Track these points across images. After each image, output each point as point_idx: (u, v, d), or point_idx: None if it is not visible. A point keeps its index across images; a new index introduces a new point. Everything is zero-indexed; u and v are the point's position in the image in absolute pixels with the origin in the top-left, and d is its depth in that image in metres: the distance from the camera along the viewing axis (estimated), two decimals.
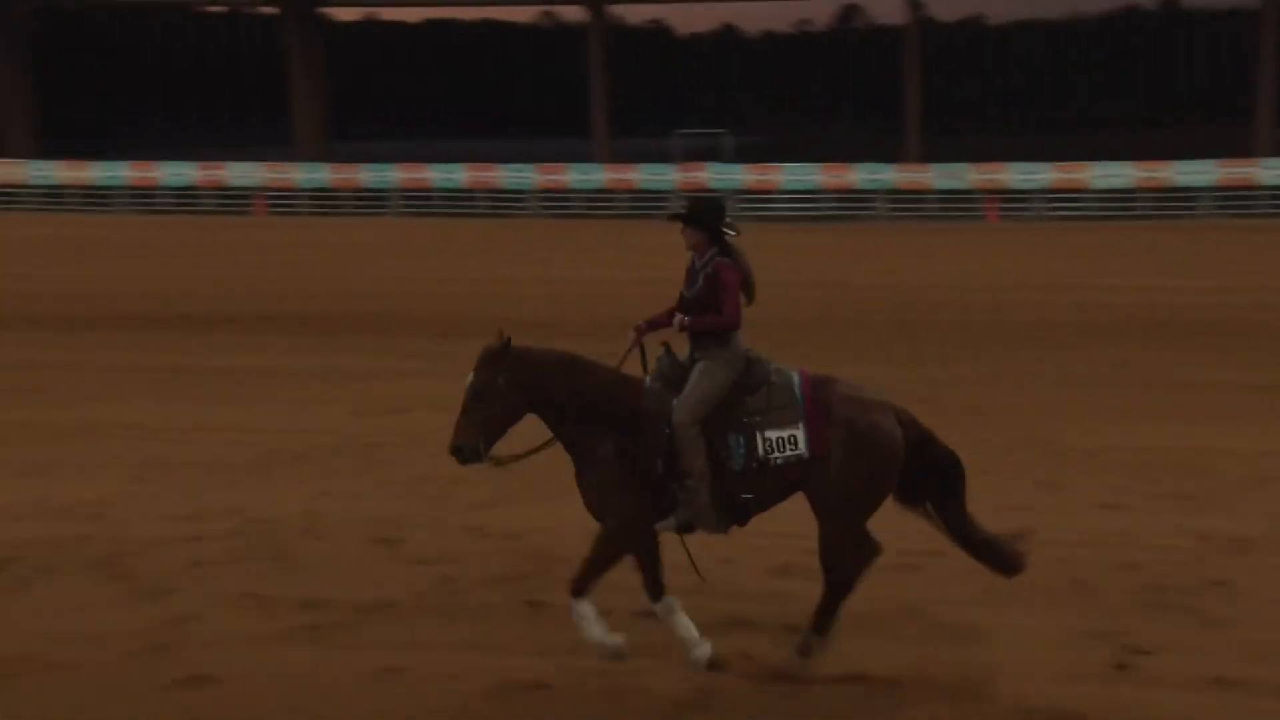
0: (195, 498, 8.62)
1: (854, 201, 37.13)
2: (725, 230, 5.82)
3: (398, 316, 17.77)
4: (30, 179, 40.79)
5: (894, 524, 6.17)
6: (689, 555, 5.86)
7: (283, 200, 39.63)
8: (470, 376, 5.66)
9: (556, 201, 38.82)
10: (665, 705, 5.56)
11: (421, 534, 7.88)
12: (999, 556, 5.82)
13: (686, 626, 5.80)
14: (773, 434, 5.62)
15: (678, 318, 5.77)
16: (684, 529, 5.74)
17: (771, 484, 5.69)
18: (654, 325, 5.87)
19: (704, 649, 5.78)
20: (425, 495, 8.75)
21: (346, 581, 6.99)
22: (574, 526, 7.97)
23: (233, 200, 39.80)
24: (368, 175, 40.14)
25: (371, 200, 39.63)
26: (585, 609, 5.68)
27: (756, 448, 5.63)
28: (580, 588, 5.70)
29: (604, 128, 45.32)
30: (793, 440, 5.62)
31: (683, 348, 5.89)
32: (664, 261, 23.59)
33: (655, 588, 5.87)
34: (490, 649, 6.09)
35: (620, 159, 41.44)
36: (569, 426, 5.75)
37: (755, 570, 7.11)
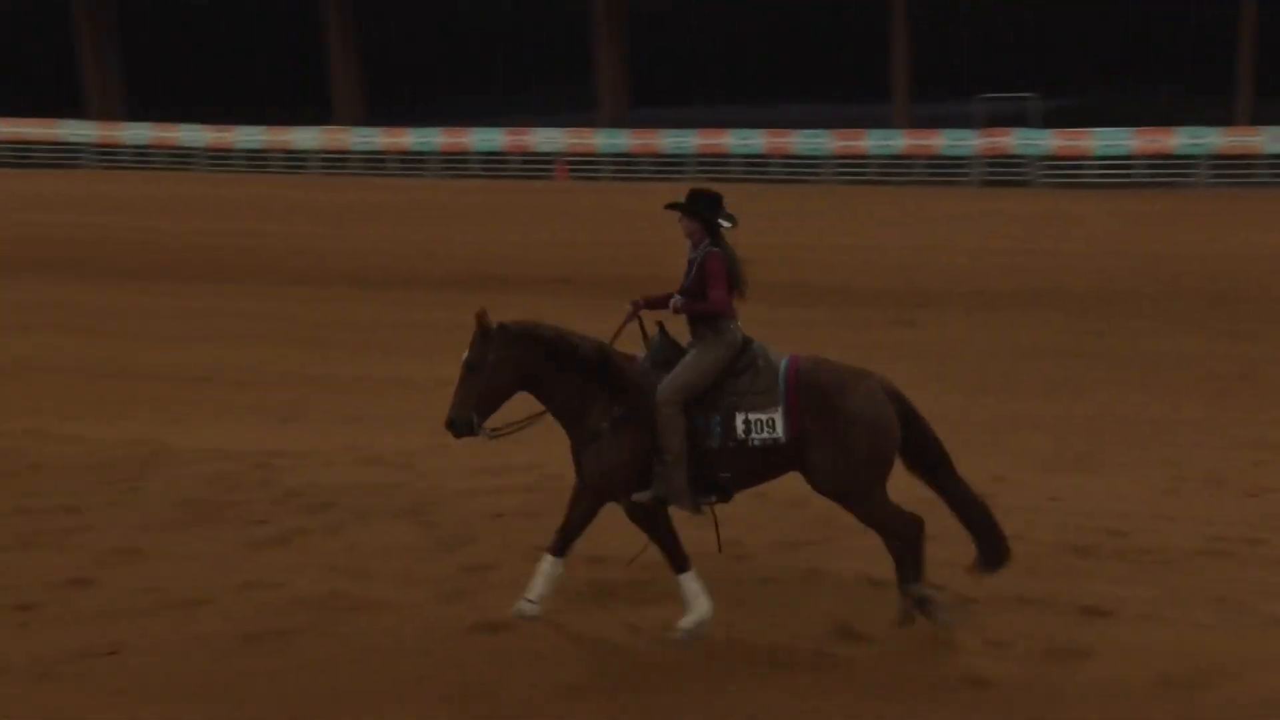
0: (497, 453, 8.98)
1: (1171, 167, 35.11)
2: (721, 222, 5.98)
3: None
4: (354, 145, 43.27)
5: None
6: (716, 531, 5.98)
7: (584, 165, 40.66)
8: (465, 352, 5.85)
9: (853, 167, 38.34)
10: (951, 682, 5.46)
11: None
12: (992, 548, 5.88)
13: (695, 594, 5.88)
14: (752, 416, 5.76)
15: (673, 300, 5.94)
16: (659, 503, 5.89)
17: (749, 464, 5.82)
18: (650, 304, 6.07)
19: (692, 619, 5.85)
20: None
21: (634, 540, 7.14)
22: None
23: (537, 165, 41.11)
24: (666, 141, 40.68)
25: (670, 165, 40.17)
26: (548, 566, 6.03)
27: (735, 428, 5.78)
28: (559, 547, 6.04)
29: (903, 92, 44.37)
30: (771, 424, 5.74)
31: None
32: (959, 229, 23.16)
33: (679, 561, 5.96)
34: (767, 616, 6.10)
35: (920, 124, 40.52)
36: (559, 401, 5.95)
37: (1052, 546, 6.89)
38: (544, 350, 5.98)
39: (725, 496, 5.96)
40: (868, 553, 6.30)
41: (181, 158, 43.05)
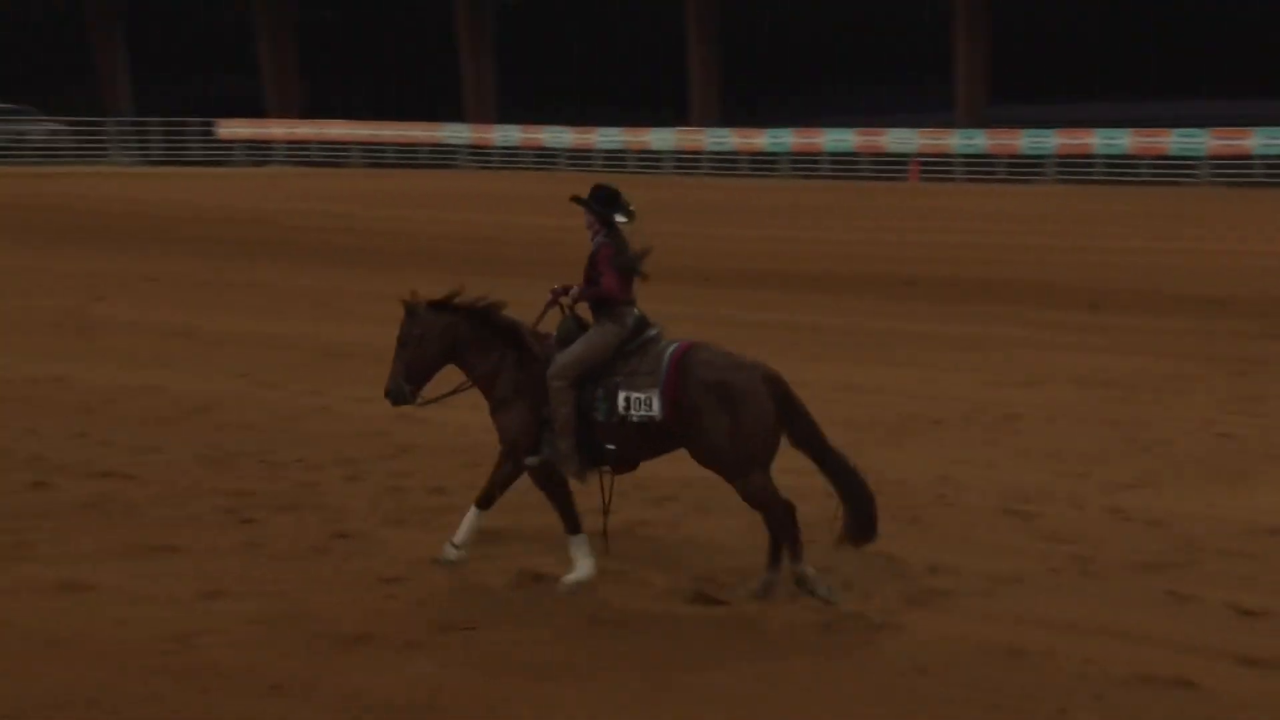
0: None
1: None
2: (617, 217, 6.53)
3: (1044, 286, 17.34)
4: (708, 146, 44.07)
5: None
6: (605, 505, 6.50)
7: (937, 166, 39.85)
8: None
9: (1234, 169, 35.83)
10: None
11: (1057, 509, 7.69)
12: (859, 519, 6.25)
13: (583, 556, 6.43)
14: (633, 395, 6.27)
15: (572, 289, 6.56)
16: (547, 467, 6.49)
17: (631, 438, 6.34)
18: (567, 291, 6.62)
19: (573, 578, 6.37)
20: (1062, 470, 8.51)
21: (976, 550, 6.99)
22: (1231, 518, 7.40)
23: (889, 166, 40.61)
24: (1025, 141, 39.28)
25: (1026, 167, 38.77)
26: (472, 516, 6.66)
27: (617, 405, 6.29)
28: (484, 500, 6.69)
29: None
30: (648, 402, 6.24)
31: None
32: None
33: (571, 523, 6.53)
34: (1128, 637, 5.84)
35: None
36: (477, 372, 6.64)
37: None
38: (462, 327, 6.62)
39: (614, 467, 6.51)
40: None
41: (546, 158, 45.02)
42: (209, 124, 45.92)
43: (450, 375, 6.81)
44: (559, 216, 26.83)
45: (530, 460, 6.54)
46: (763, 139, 43.16)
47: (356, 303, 15.63)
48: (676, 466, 8.58)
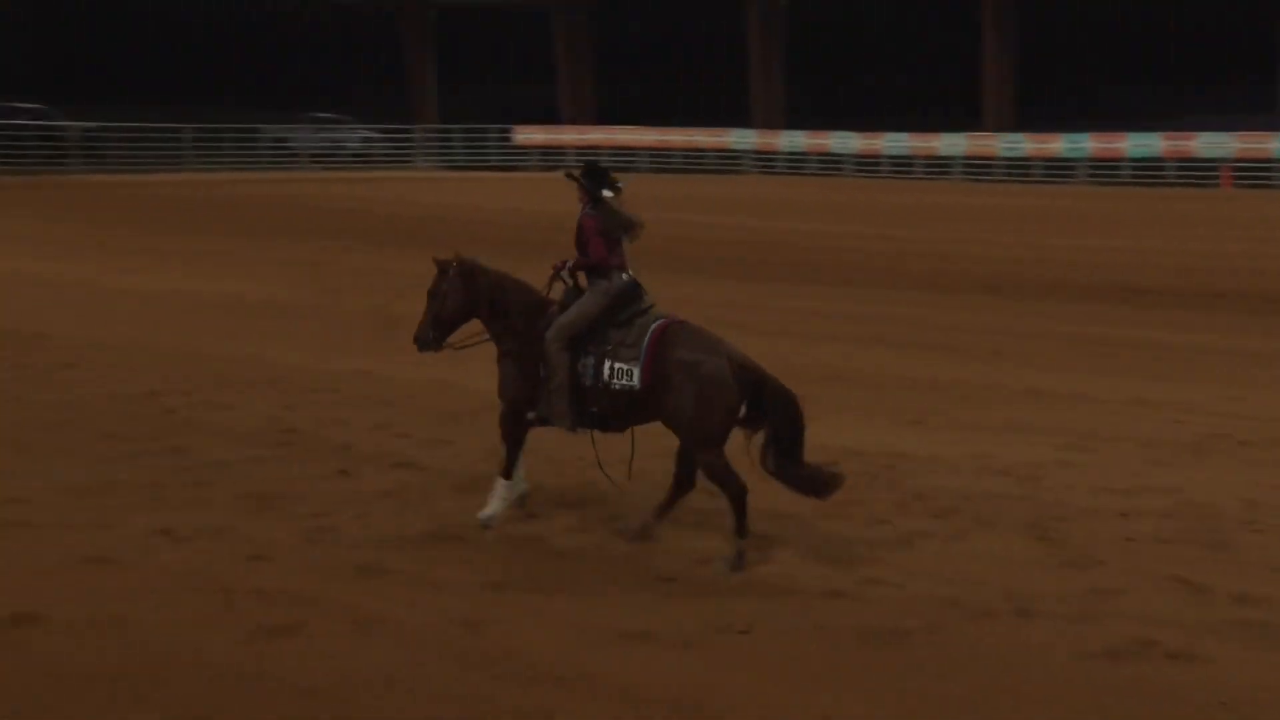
0: (1130, 473, 8.56)
1: None
2: (604, 190, 7.14)
3: None
4: (1000, 151, 42.83)
5: None
6: (598, 461, 7.23)
7: (1254, 172, 37.52)
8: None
9: None
10: None
11: None
12: (814, 483, 6.82)
13: (502, 498, 7.21)
14: (617, 364, 6.86)
15: (569, 262, 7.17)
16: (543, 422, 7.17)
17: (613, 403, 6.94)
18: (565, 265, 7.21)
19: (487, 512, 7.16)
20: None
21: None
22: None
23: (1198, 172, 38.49)
24: None
25: None
26: (499, 488, 7.27)
27: (603, 372, 6.90)
28: (505, 470, 7.29)
29: None
30: (629, 373, 6.84)
31: None
32: None
33: (509, 469, 7.28)
34: None
35: None
36: (492, 329, 7.33)
37: None
38: (481, 286, 7.31)
39: (601, 428, 7.16)
40: None
41: (831, 164, 44.74)
42: (507, 130, 47.74)
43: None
44: (841, 223, 26.75)
45: (530, 416, 7.21)
46: (1059, 144, 41.64)
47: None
48: (957, 478, 8.41)
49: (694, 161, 46.36)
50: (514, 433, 7.33)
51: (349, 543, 7.13)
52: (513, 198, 34.14)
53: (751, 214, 29.60)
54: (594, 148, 47.31)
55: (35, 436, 9.16)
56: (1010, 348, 13.45)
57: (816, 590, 6.44)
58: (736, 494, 6.81)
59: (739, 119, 48.21)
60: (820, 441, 9.28)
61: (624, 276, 7.15)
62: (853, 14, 55.37)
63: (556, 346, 7.02)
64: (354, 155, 47.06)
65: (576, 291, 7.19)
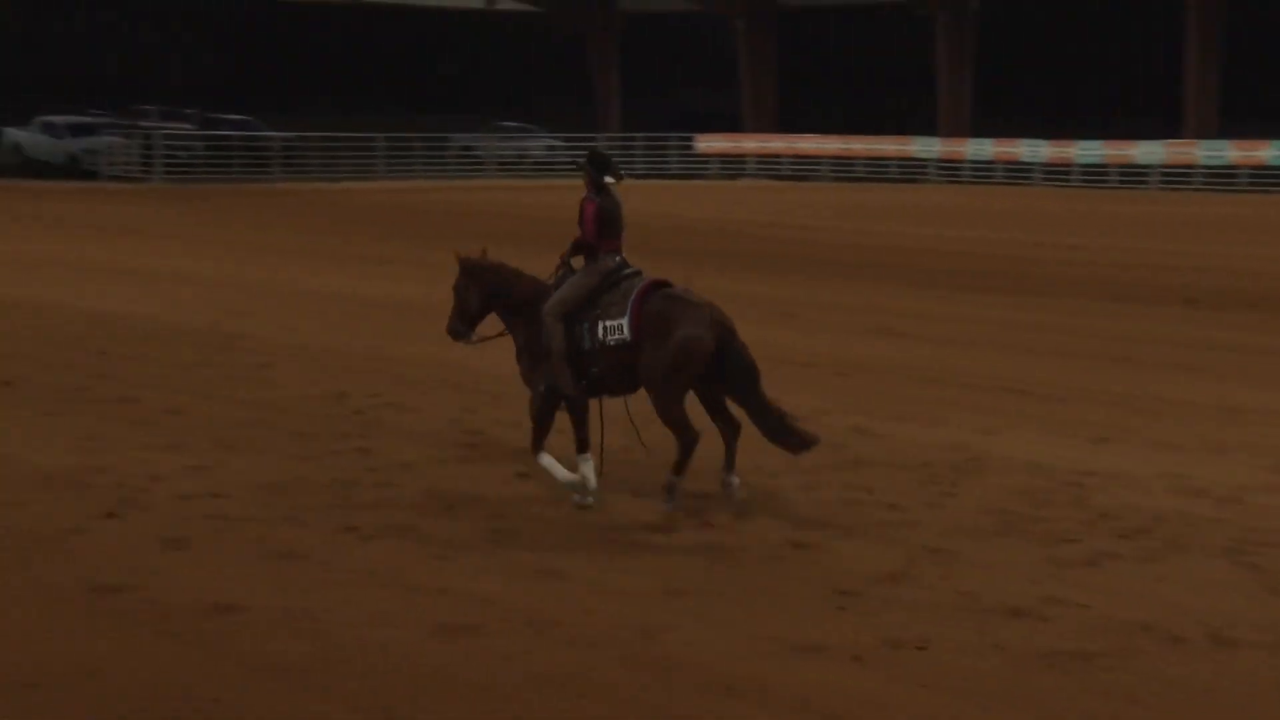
0: None
1: None
2: (606, 178, 7.87)
3: None
4: (1201, 159, 41.19)
5: None
6: (634, 428, 7.93)
7: None
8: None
9: None
10: None
11: None
12: (789, 439, 7.63)
13: (561, 472, 7.78)
14: (609, 323, 7.56)
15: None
16: (551, 391, 7.79)
17: (609, 361, 7.60)
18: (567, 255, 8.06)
19: (585, 491, 7.78)
20: None
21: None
22: None
23: None
24: None
25: None
26: (545, 459, 7.84)
27: (598, 332, 7.59)
28: (535, 447, 7.87)
29: None
30: (620, 328, 7.51)
31: None
32: None
33: (538, 445, 7.88)
34: None
35: None
36: (507, 320, 8.11)
37: None
38: (485, 281, 8.13)
39: (600, 391, 7.81)
40: None
41: (1019, 173, 43.70)
42: (688, 139, 47.96)
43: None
44: (1032, 232, 26.09)
45: (539, 386, 7.90)
46: (1265, 151, 39.86)
47: (817, 312, 15.83)
48: (1148, 498, 8.11)
49: (877, 170, 45.82)
50: (544, 415, 7.93)
51: (528, 545, 7.25)
52: (692, 204, 34.28)
53: (940, 223, 29.11)
54: (775, 155, 47.17)
55: (234, 433, 9.55)
56: (1206, 362, 12.93)
57: (996, 608, 6.29)
58: (689, 441, 7.68)
59: (923, 127, 47.45)
60: (1001, 455, 9.11)
61: (616, 259, 7.92)
62: (1043, 18, 53.95)
63: (552, 318, 7.76)
64: (538, 163, 47.88)
65: (569, 272, 8.00)
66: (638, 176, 45.96)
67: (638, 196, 38.49)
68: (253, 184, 39.67)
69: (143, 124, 45.19)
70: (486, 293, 8.14)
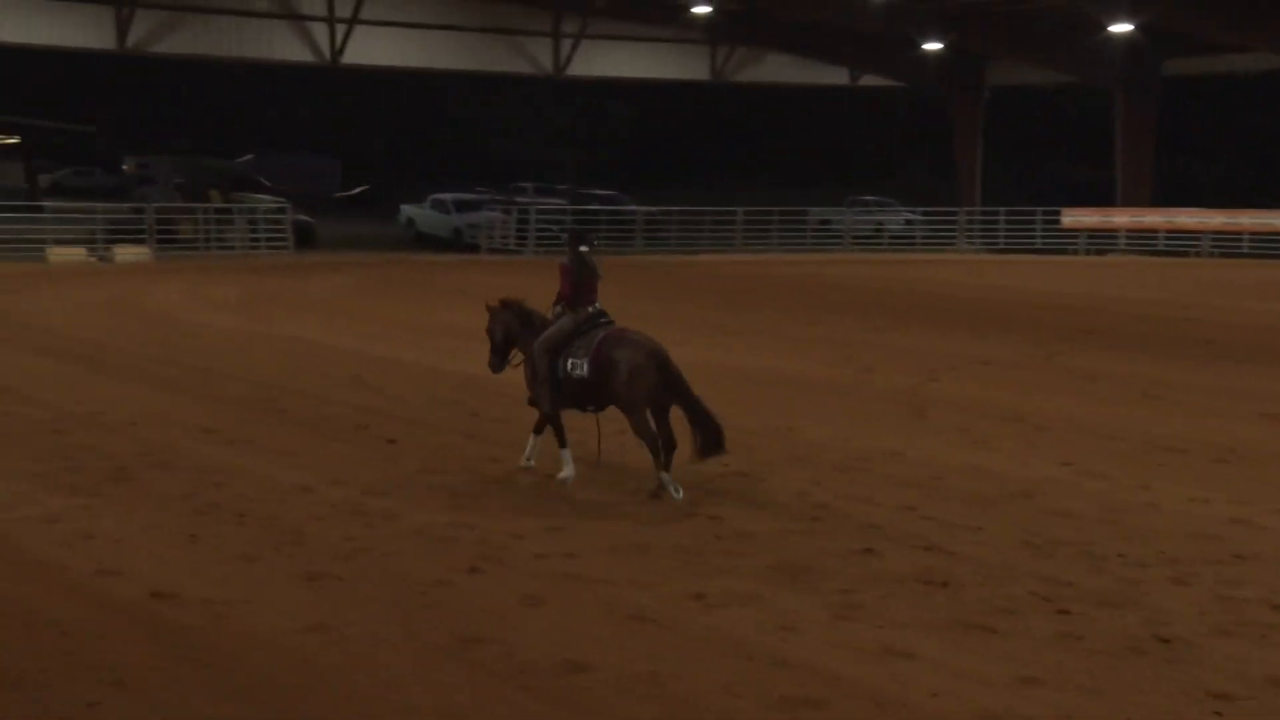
0: None
1: None
2: (581, 246, 10.30)
3: None
4: None
5: None
6: (599, 438, 10.35)
7: None
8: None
9: None
10: None
11: None
12: (709, 440, 9.78)
13: (568, 461, 10.17)
14: (574, 360, 9.89)
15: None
16: (532, 403, 10.39)
17: (573, 388, 9.96)
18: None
19: (564, 474, 10.10)
20: None
21: None
22: None
23: None
24: None
25: None
26: (564, 453, 10.23)
27: (567, 367, 9.93)
28: (559, 442, 10.23)
29: None
30: (581, 365, 9.86)
31: None
32: None
33: (561, 439, 10.26)
34: None
35: None
36: (522, 351, 10.46)
37: None
38: (503, 321, 10.59)
39: (577, 408, 10.19)
40: None
41: None
42: (1054, 213, 46.43)
43: None
44: None
45: (529, 400, 10.42)
46: None
47: (1185, 394, 14.91)
48: None
49: (1266, 247, 42.80)
50: (551, 420, 10.28)
51: (874, 622, 7.14)
52: (1056, 280, 33.08)
53: None
54: (1150, 231, 44.90)
55: (587, 497, 9.91)
56: None
57: None
58: (651, 443, 9.83)
59: None
60: None
61: (591, 308, 10.18)
62: None
63: (540, 352, 10.09)
64: (895, 237, 47.53)
65: (560, 317, 10.22)
66: (999, 251, 44.93)
67: (996, 272, 37.62)
68: (616, 255, 41.30)
69: (519, 200, 48.03)
70: (507, 332, 10.58)
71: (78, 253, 35.00)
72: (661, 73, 48.86)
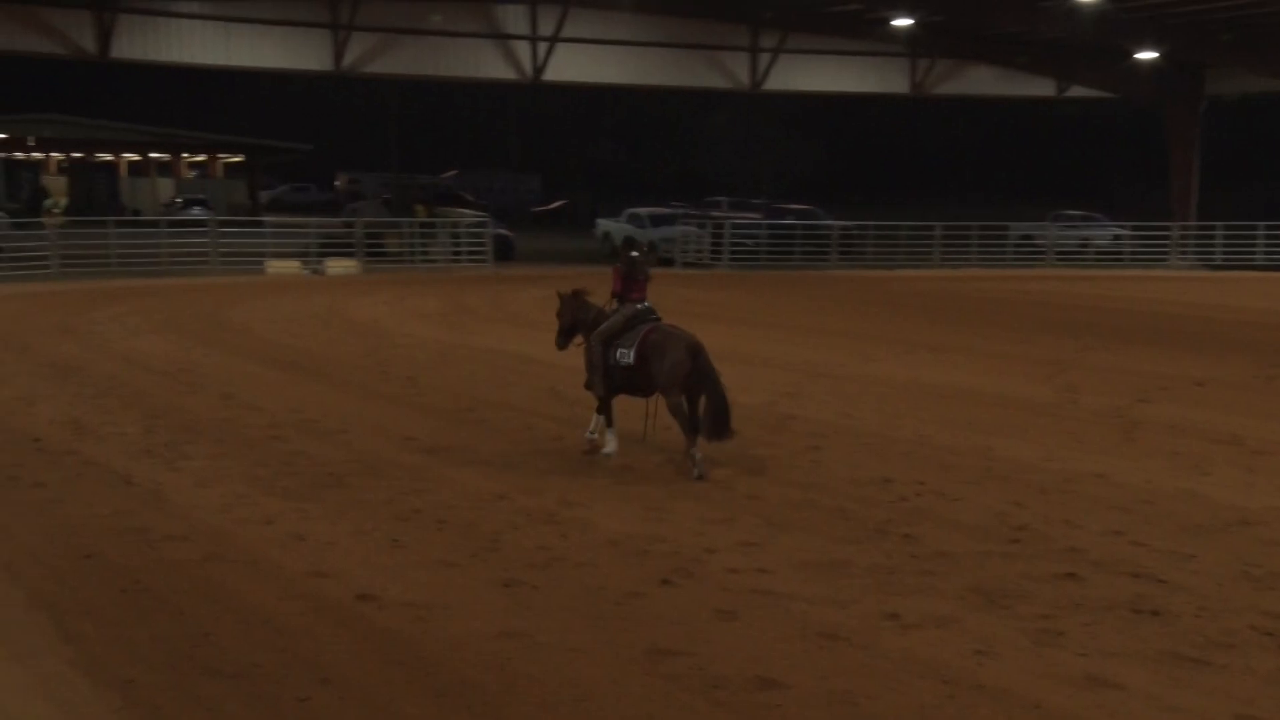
0: None
1: None
2: (632, 253, 12.23)
3: None
4: None
5: None
6: (646, 418, 11.86)
7: None
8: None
9: None
10: None
11: None
12: (714, 427, 10.90)
13: (612, 439, 11.78)
14: (622, 351, 11.42)
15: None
16: (588, 387, 11.89)
17: (622, 375, 11.47)
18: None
19: (608, 449, 11.73)
20: None
21: None
22: None
23: None
24: None
25: None
26: (609, 433, 11.76)
27: (616, 356, 11.47)
28: (608, 422, 11.76)
29: None
30: (627, 355, 11.37)
31: None
32: None
33: (609, 420, 11.80)
34: None
35: None
36: (585, 337, 11.90)
37: None
38: (570, 309, 12.13)
39: (628, 393, 11.67)
40: None
41: None
42: (1277, 228, 44.26)
43: None
44: None
45: (586, 384, 11.82)
46: None
47: None
48: None
49: None
50: (603, 405, 11.73)
51: (1076, 649, 6.91)
52: (1276, 298, 31.52)
53: None
54: None
55: (782, 512, 9.86)
56: None
57: None
58: (682, 422, 11.06)
59: None
60: None
61: (640, 305, 11.65)
62: None
63: (595, 342, 11.57)
64: (1102, 252, 46.01)
65: (615, 311, 11.70)
66: (1215, 267, 43.03)
67: (1212, 289, 36.07)
68: (811, 270, 41.03)
69: (714, 214, 48.18)
70: (571, 319, 12.08)
71: (293, 265, 36.56)
72: (859, 86, 48.39)
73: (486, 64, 43.86)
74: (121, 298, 27.78)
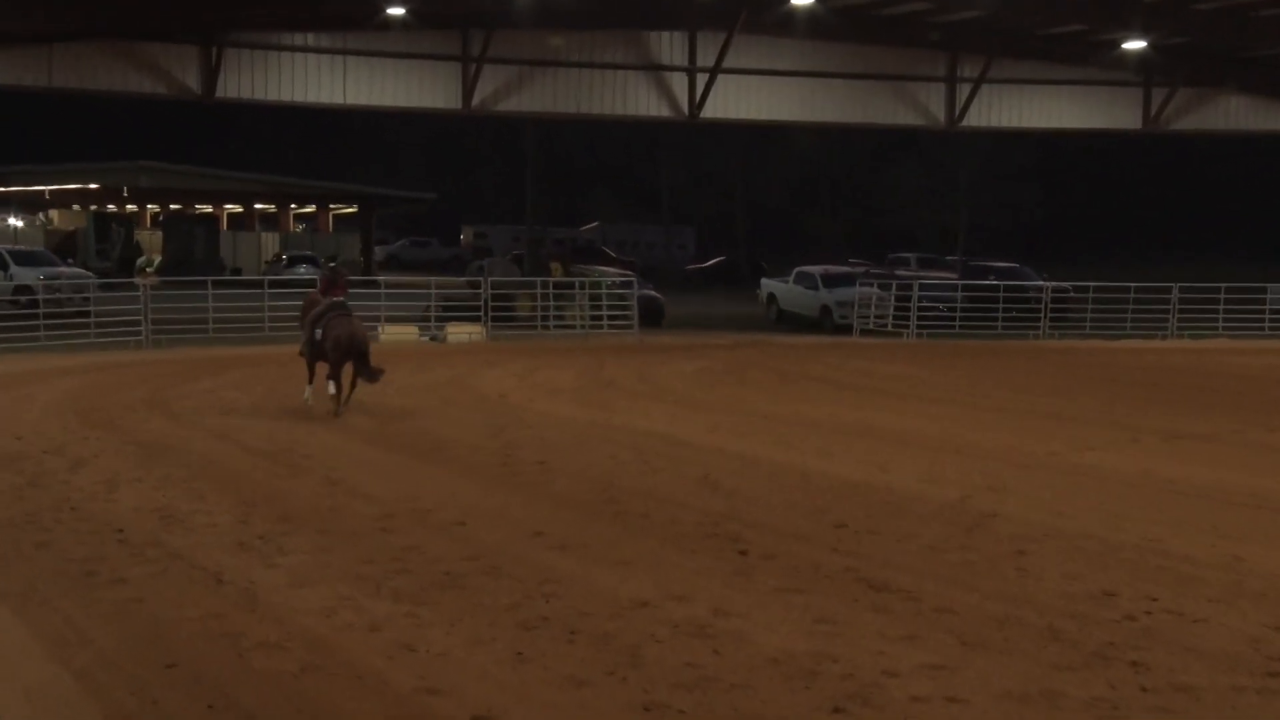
0: None
1: None
2: (330, 265, 21.00)
3: None
4: None
5: None
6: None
7: None
8: None
9: None
10: None
11: None
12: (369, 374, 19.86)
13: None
14: (318, 330, 20.56)
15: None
16: (301, 354, 21.86)
17: (318, 346, 20.53)
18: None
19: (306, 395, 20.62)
20: None
21: None
22: None
23: None
24: None
25: None
26: (308, 389, 20.14)
27: (315, 333, 20.82)
28: (309, 377, 20.49)
29: None
30: (318, 333, 20.05)
31: None
32: None
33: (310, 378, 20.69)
34: None
35: None
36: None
37: None
38: (311, 303, 19.64)
39: (321, 359, 20.88)
40: None
41: None
42: None
43: None
44: None
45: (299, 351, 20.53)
46: None
47: None
48: None
49: None
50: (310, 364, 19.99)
51: None
52: None
53: None
54: None
55: (979, 630, 9.64)
56: None
57: None
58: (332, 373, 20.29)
59: None
60: None
61: (336, 299, 20.28)
62: None
63: (307, 326, 20.77)
64: None
65: (322, 305, 20.28)
66: None
67: None
68: (1017, 340, 40.42)
69: (900, 273, 47.91)
70: (309, 309, 19.87)
71: (409, 331, 37.41)
72: (1079, 121, 47.67)
73: (636, 100, 44.38)
74: (218, 368, 28.74)
